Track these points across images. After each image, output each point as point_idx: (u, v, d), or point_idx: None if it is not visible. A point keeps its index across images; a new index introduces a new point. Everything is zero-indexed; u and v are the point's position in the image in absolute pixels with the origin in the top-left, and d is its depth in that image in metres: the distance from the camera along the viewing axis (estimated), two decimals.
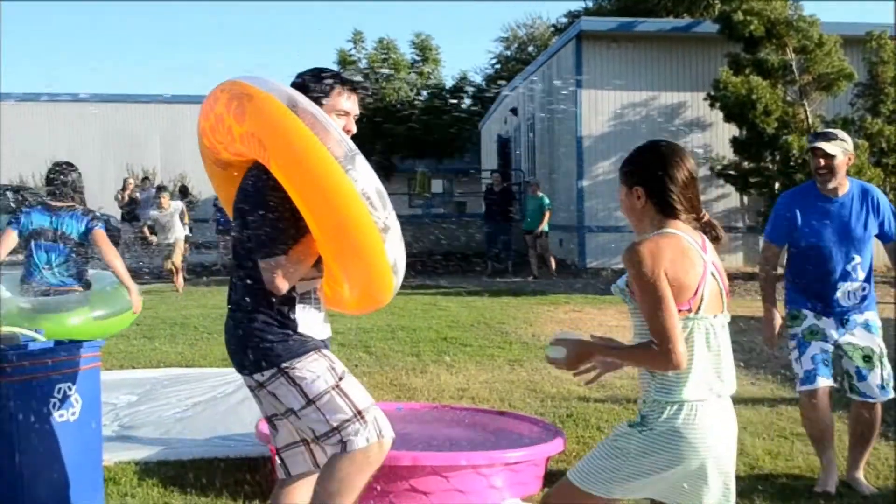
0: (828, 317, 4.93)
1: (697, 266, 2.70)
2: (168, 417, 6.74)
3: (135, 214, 21.19)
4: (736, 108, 15.90)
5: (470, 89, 25.84)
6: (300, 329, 3.10)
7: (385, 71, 21.17)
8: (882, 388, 4.91)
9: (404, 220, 19.61)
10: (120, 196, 21.17)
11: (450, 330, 11.02)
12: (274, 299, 3.06)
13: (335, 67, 19.37)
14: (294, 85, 3.17)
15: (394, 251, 2.96)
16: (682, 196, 2.73)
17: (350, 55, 21.45)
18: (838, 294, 4.90)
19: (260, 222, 3.00)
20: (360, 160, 2.90)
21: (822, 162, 4.89)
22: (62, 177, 5.95)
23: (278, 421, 3.21)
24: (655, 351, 2.62)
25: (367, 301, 3.26)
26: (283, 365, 3.06)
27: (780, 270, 5.31)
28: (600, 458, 2.74)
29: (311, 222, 2.93)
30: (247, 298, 3.11)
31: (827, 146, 4.87)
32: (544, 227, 18.31)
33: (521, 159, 26.78)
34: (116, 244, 20.96)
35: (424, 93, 22.02)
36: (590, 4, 37.26)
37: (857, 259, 4.91)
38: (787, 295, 5.11)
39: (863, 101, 16.11)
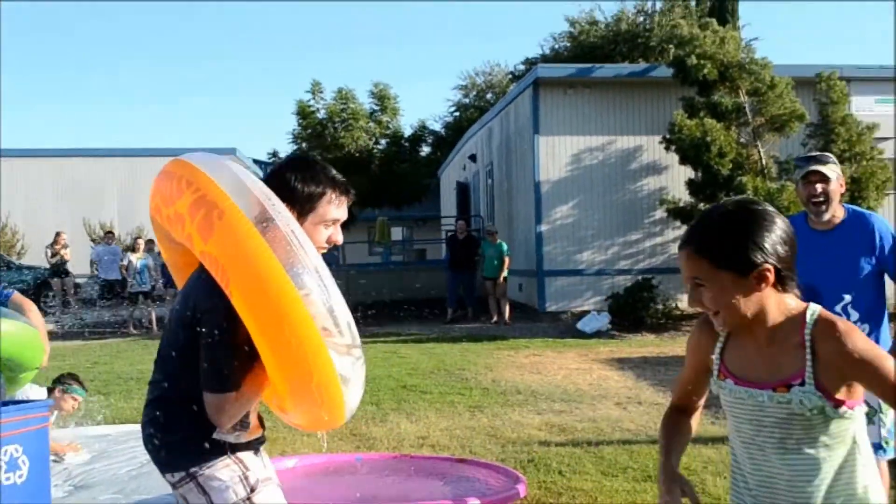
0: None
1: None
2: (122, 475, 6.57)
3: (64, 269, 21.07)
4: (691, 151, 16.05)
5: (428, 137, 25.95)
6: (216, 435, 2.76)
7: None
8: (880, 447, 4.29)
9: (364, 269, 19.38)
10: (48, 250, 21.04)
11: (410, 377, 10.93)
12: (195, 407, 2.72)
13: (294, 119, 19.22)
14: (276, 177, 2.86)
15: (353, 381, 2.65)
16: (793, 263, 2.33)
17: (309, 105, 21.42)
18: None
19: (217, 352, 2.65)
20: (332, 286, 2.60)
21: (819, 188, 4.31)
22: None
23: None
24: None
25: (313, 427, 2.97)
26: (192, 469, 2.76)
27: None
28: None
29: (266, 355, 2.59)
30: (164, 397, 2.82)
31: (823, 168, 4.30)
32: (504, 273, 18.37)
33: (479, 205, 26.86)
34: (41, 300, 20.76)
35: (383, 141, 22.03)
36: (547, 52, 37.75)
37: (848, 298, 4.34)
38: None
39: (815, 142, 16.31)
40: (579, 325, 16.27)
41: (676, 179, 18.12)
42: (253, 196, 2.61)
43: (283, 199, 2.73)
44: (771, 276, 2.24)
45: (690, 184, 16.81)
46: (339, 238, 2.92)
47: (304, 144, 21.52)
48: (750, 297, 2.26)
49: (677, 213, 17.05)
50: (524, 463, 6.53)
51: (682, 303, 17.79)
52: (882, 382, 2.24)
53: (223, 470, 2.77)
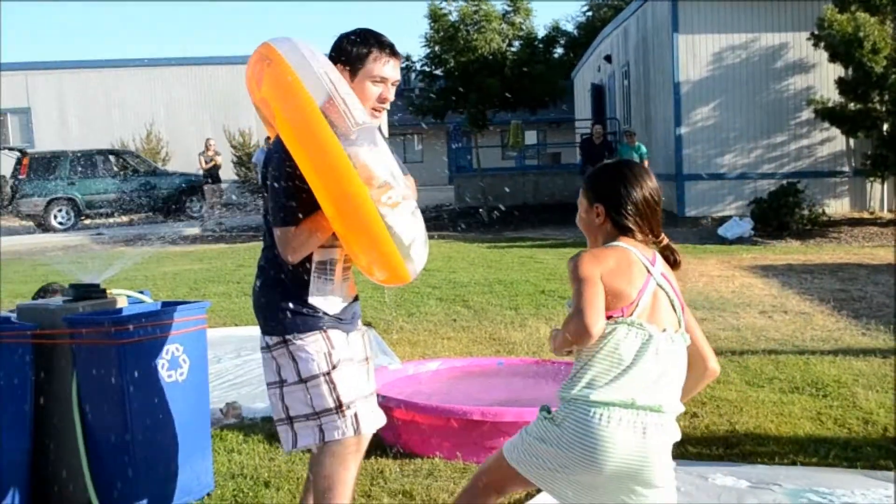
0: None
1: (639, 278, 2.67)
2: None
3: (217, 175, 21.72)
4: (842, 47, 15.26)
5: (562, 38, 25.39)
6: (310, 300, 3.13)
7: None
8: None
9: (497, 173, 19.27)
10: (202, 157, 21.69)
11: (547, 282, 10.92)
12: (290, 267, 3.10)
13: (427, 22, 19.00)
14: (335, 47, 3.15)
15: (403, 230, 2.91)
16: (639, 217, 2.75)
17: (440, 8, 21.20)
18: None
19: (278, 191, 3.02)
20: (370, 136, 2.89)
21: None
22: None
23: (271, 391, 3.23)
24: (569, 319, 2.61)
25: (385, 279, 3.12)
26: (287, 336, 3.12)
27: None
28: (529, 439, 2.71)
29: (318, 198, 2.91)
30: (268, 262, 3.20)
31: None
32: None
33: (615, 107, 26.31)
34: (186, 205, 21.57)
35: (516, 44, 21.67)
36: None
37: None
38: None
39: None
40: (720, 231, 15.91)
41: (825, 78, 17.32)
42: (301, 52, 2.96)
43: (340, 61, 3.10)
44: (602, 215, 2.77)
45: (840, 82, 16.03)
46: (390, 95, 3.18)
47: (436, 48, 21.32)
48: (591, 225, 2.81)
49: (826, 113, 16.32)
50: None
51: (830, 208, 17.18)
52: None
53: (312, 344, 3.11)
